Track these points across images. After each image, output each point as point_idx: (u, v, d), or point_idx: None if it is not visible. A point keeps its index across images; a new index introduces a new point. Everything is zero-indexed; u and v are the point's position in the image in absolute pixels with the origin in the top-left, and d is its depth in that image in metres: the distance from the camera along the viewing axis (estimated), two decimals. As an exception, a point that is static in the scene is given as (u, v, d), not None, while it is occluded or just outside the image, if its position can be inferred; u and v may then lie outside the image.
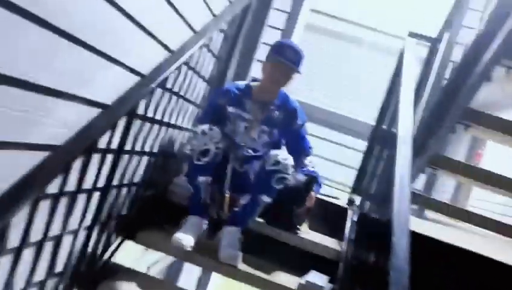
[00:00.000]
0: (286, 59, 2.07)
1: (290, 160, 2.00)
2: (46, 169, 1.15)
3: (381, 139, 2.39)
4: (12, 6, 0.97)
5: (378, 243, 1.56)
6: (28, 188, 1.10)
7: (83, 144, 1.27)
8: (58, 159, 1.19)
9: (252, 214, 2.05)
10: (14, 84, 1.05)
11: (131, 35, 1.52)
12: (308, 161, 2.23)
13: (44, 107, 1.18)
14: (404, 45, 2.51)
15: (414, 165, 2.28)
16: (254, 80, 2.26)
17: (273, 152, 2.02)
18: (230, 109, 2.16)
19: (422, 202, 2.48)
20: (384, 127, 2.44)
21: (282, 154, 2.00)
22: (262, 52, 3.35)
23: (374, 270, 1.49)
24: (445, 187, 4.60)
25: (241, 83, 2.25)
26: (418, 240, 1.39)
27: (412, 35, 2.66)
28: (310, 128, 2.36)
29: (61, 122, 1.28)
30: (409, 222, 1.28)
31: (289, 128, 2.20)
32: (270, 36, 3.55)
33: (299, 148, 2.23)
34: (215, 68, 2.52)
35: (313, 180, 2.14)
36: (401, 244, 1.14)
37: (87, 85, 1.35)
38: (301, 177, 2.12)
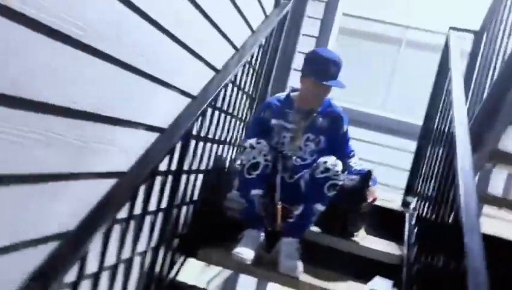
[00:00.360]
0: (328, 78, 2.02)
1: (339, 165, 1.98)
2: (117, 196, 1.21)
3: (432, 138, 2.33)
4: (80, 44, 1.03)
5: (442, 245, 1.53)
6: (103, 216, 1.16)
7: (147, 169, 1.33)
8: (127, 185, 1.25)
9: (307, 223, 2.05)
10: (87, 118, 1.11)
11: (182, 60, 1.58)
12: (353, 162, 2.22)
13: (110, 136, 1.25)
14: (448, 39, 2.47)
15: (473, 161, 2.24)
16: (294, 90, 2.26)
17: (322, 159, 2.01)
18: (274, 121, 2.18)
19: (480, 198, 2.40)
20: (434, 125, 2.38)
21: (331, 161, 1.99)
22: (298, 62, 3.40)
23: (442, 273, 1.46)
24: (496, 181, 4.42)
25: (282, 95, 2.26)
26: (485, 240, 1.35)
27: (454, 29, 2.61)
28: (353, 132, 2.31)
29: (124, 149, 1.34)
30: (479, 220, 1.25)
31: (335, 134, 2.19)
32: (305, 44, 3.59)
33: (344, 153, 2.21)
34: (258, 82, 2.54)
35: (368, 174, 2.09)
36: (474, 245, 1.12)
37: (145, 111, 1.42)
38: (354, 177, 2.10)
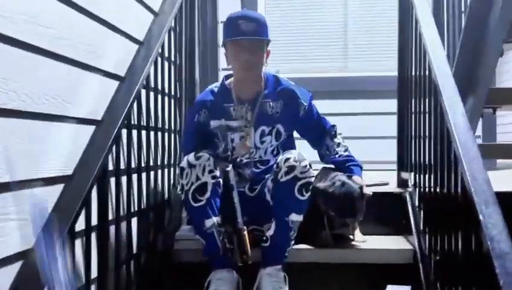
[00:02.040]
0: (242, 33, 2.08)
1: (305, 160, 2.00)
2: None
3: (412, 91, 2.37)
4: None
5: (455, 224, 1.58)
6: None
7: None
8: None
9: (286, 242, 2.06)
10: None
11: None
12: (336, 143, 2.25)
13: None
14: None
15: (468, 109, 2.15)
16: (228, 76, 2.27)
17: (282, 157, 2.02)
18: (213, 124, 2.17)
19: (489, 151, 2.50)
20: (411, 74, 2.42)
21: (294, 155, 2.00)
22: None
23: (466, 261, 1.51)
24: (506, 127, 4.57)
25: (214, 86, 2.25)
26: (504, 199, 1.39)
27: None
28: (319, 106, 2.33)
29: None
30: (491, 185, 1.32)
31: (296, 117, 2.21)
32: (229, 10, 3.58)
33: (319, 134, 2.25)
34: (180, 76, 2.53)
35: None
36: (493, 221, 1.18)
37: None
38: (341, 178, 2.12)
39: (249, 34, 2.07)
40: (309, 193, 2.00)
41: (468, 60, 2.16)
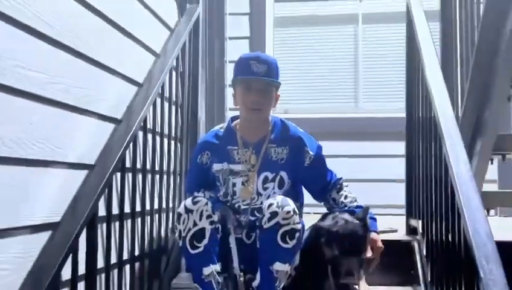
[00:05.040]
0: (253, 74, 2.10)
1: (289, 206, 1.93)
2: None
3: (422, 133, 2.32)
4: None
5: (464, 279, 1.53)
6: None
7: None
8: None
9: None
10: None
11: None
12: (343, 196, 2.21)
13: None
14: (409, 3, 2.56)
15: (476, 153, 2.26)
16: (234, 118, 2.26)
17: (267, 202, 1.98)
18: (216, 167, 2.16)
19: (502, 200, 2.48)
20: (417, 116, 2.42)
21: (278, 201, 1.95)
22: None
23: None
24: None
25: (219, 128, 2.26)
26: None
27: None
28: (327, 147, 2.30)
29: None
30: (493, 239, 1.29)
31: (300, 165, 2.17)
32: (236, 50, 3.62)
33: (323, 186, 2.21)
34: (182, 125, 2.57)
35: (364, 213, 2.07)
36: (493, 277, 1.14)
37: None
38: (345, 217, 2.06)
39: (259, 75, 2.10)
40: (294, 241, 1.93)
41: (475, 105, 2.15)
